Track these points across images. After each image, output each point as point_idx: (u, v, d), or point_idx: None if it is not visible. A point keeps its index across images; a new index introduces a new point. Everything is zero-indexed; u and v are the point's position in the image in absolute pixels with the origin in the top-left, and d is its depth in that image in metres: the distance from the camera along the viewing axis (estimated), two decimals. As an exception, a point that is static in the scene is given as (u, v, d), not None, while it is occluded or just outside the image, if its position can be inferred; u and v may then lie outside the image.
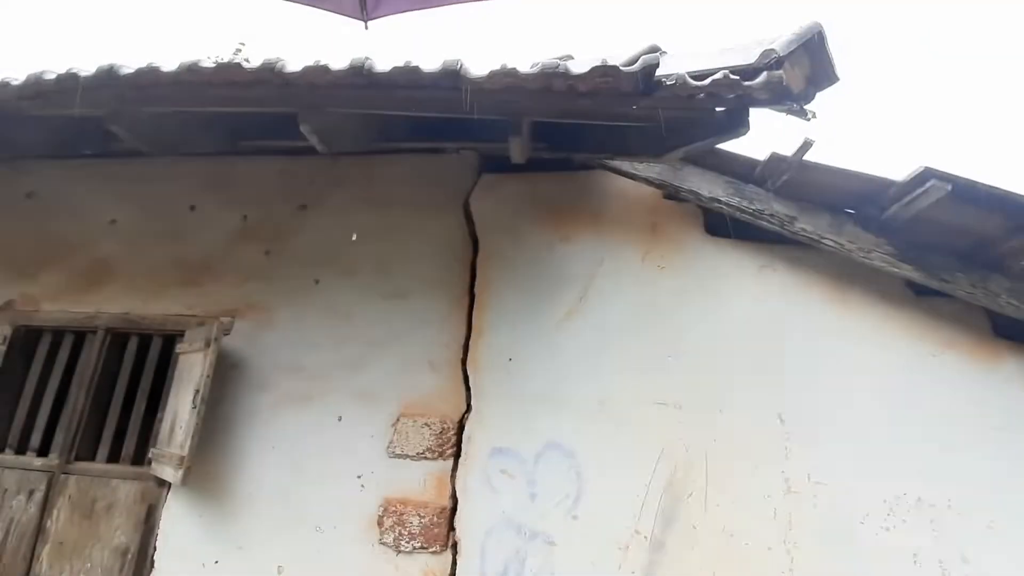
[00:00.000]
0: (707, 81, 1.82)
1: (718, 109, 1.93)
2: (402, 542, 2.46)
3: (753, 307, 2.58)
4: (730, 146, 2.44)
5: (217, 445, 2.71)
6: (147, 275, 3.10)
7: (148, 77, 2.09)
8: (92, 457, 2.87)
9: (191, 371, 2.66)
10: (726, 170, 2.64)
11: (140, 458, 2.83)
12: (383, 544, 2.48)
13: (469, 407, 2.62)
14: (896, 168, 2.28)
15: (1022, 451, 2.25)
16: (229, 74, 2.05)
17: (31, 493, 2.78)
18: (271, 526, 2.58)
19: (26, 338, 3.11)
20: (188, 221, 3.18)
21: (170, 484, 2.65)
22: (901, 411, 2.35)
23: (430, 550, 2.44)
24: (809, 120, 2.07)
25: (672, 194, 2.74)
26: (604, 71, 1.83)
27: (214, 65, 2.06)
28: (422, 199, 2.99)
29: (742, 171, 2.61)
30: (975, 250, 2.37)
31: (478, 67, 1.95)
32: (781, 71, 1.76)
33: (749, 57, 1.82)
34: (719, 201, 2.61)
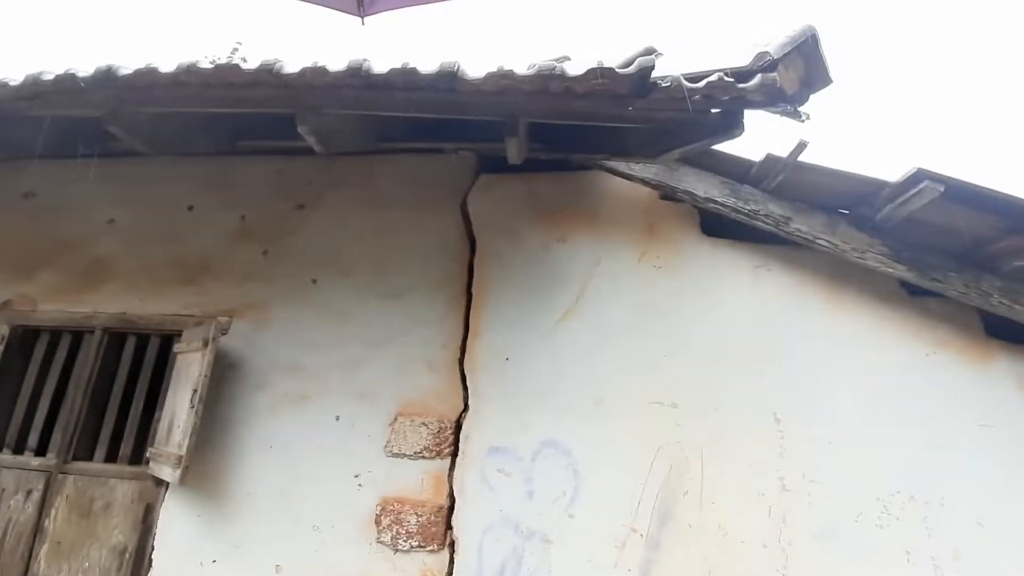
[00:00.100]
0: (702, 83, 1.84)
1: (713, 111, 1.94)
2: (400, 541, 2.48)
3: (749, 307, 2.60)
4: (726, 147, 2.45)
5: (215, 445, 2.72)
6: (145, 275, 3.10)
7: (146, 78, 2.11)
8: (90, 457, 2.87)
9: (189, 371, 2.67)
10: (722, 171, 2.66)
11: (138, 458, 2.83)
12: (381, 543, 2.49)
13: (467, 406, 2.63)
14: (891, 169, 2.30)
15: (1013, 450, 2.27)
16: (227, 75, 2.07)
17: (29, 493, 2.78)
18: (269, 525, 2.59)
19: (23, 338, 3.11)
20: (186, 221, 3.19)
21: (168, 484, 2.66)
22: (895, 410, 2.38)
23: (428, 549, 2.46)
24: (803, 122, 2.08)
25: (668, 194, 2.76)
26: (600, 73, 1.85)
27: (212, 66, 2.07)
28: (420, 199, 3.01)
29: (738, 172, 2.63)
30: (968, 250, 2.39)
31: (475, 69, 1.97)
32: (775, 73, 1.78)
33: (743, 59, 1.84)
34: (715, 202, 2.63)
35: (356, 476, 2.60)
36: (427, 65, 1.98)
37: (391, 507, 2.53)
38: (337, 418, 2.70)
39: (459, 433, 2.60)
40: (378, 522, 2.52)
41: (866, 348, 2.47)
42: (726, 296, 2.63)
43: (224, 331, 2.79)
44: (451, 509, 2.51)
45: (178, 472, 2.41)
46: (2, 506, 2.77)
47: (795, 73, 1.90)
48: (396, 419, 2.66)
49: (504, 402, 2.61)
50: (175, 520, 2.66)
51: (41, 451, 2.92)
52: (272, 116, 2.36)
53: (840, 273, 2.57)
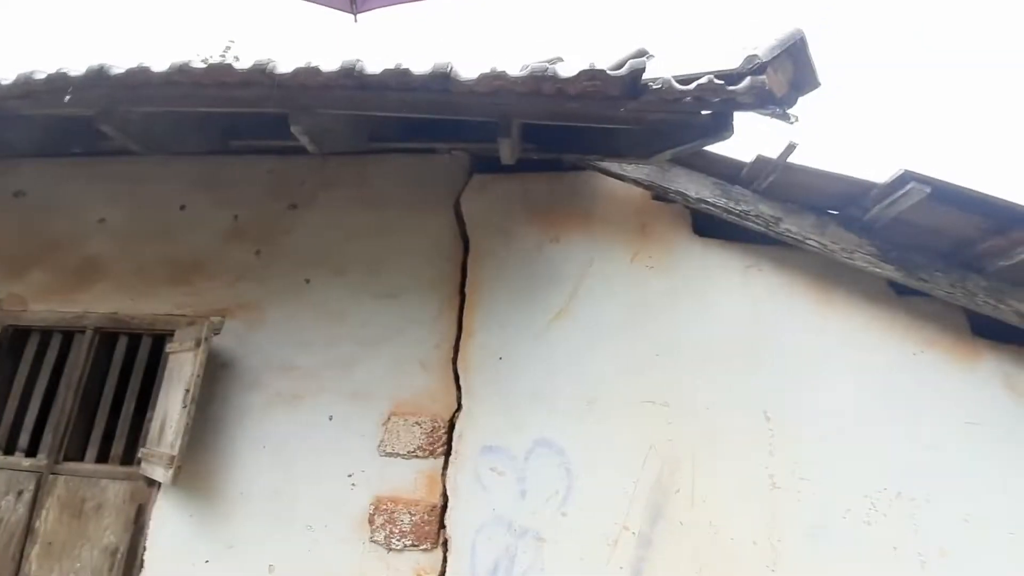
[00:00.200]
0: (692, 85, 1.86)
1: (704, 112, 1.96)
2: (393, 540, 2.48)
3: (740, 307, 2.63)
4: (717, 148, 2.48)
5: (208, 445, 2.71)
6: (137, 274, 3.09)
7: (138, 77, 2.10)
8: (81, 457, 2.86)
9: (181, 371, 2.66)
10: (713, 172, 2.68)
11: (129, 458, 2.82)
12: (374, 542, 2.50)
13: (460, 406, 2.64)
14: (879, 171, 2.33)
15: (998, 446, 2.31)
16: (220, 75, 2.07)
17: (20, 493, 2.77)
18: (262, 525, 2.59)
19: (14, 338, 3.09)
20: (178, 220, 3.18)
21: (160, 484, 2.65)
22: (882, 408, 2.41)
23: (421, 548, 2.47)
24: (792, 124, 2.11)
25: (661, 195, 2.78)
26: (592, 75, 1.86)
27: (205, 66, 2.07)
28: (413, 199, 3.01)
29: (729, 173, 2.66)
30: (954, 251, 2.43)
31: (468, 69, 1.98)
32: (764, 76, 1.80)
33: (733, 62, 1.86)
34: (706, 202, 2.65)
35: (349, 476, 2.61)
36: (420, 66, 1.99)
37: (384, 506, 2.54)
38: (330, 418, 2.70)
39: (452, 432, 2.61)
40: (371, 521, 2.53)
41: (855, 347, 2.50)
42: (717, 296, 2.65)
43: (217, 331, 2.79)
44: (444, 508, 2.52)
45: (170, 472, 2.41)
46: (-8, 507, 2.76)
47: (784, 76, 1.93)
48: (389, 419, 2.66)
49: (497, 401, 2.62)
50: (167, 520, 2.65)
51: (32, 451, 2.90)
52: (265, 116, 2.36)
53: (829, 273, 2.60)
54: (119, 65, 2.12)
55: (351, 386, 2.73)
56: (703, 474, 2.41)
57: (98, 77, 2.11)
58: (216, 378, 2.78)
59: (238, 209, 3.15)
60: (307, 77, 2.02)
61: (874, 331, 2.51)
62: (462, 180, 3.00)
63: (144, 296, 3.04)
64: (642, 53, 1.96)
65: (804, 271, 2.63)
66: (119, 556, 2.61)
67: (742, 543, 2.31)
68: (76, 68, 2.15)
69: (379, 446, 2.63)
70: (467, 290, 2.81)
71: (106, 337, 3.04)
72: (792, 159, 2.40)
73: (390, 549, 2.48)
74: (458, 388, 2.67)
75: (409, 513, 2.51)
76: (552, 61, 2.13)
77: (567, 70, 1.92)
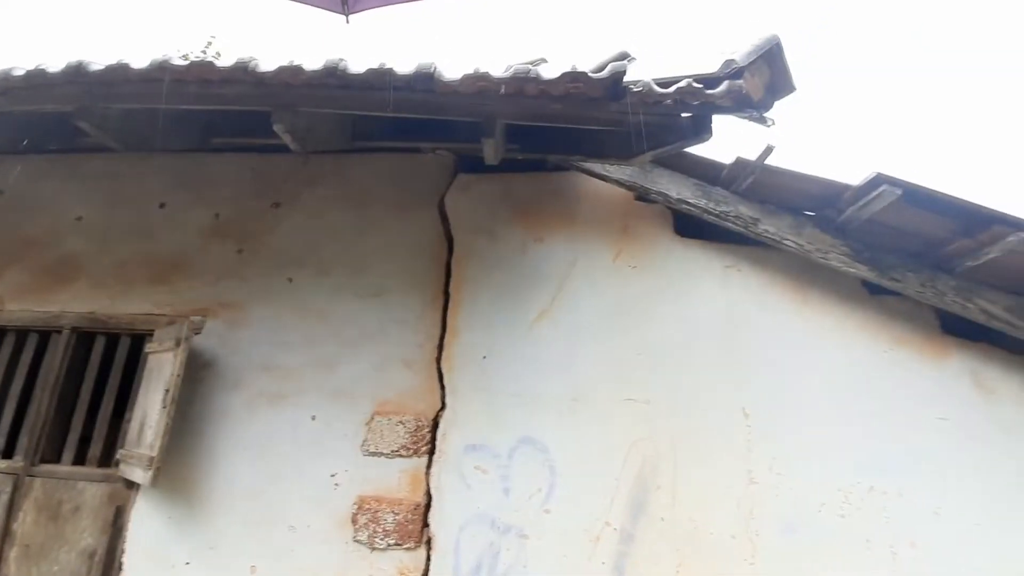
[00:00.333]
0: (672, 88, 1.90)
1: (684, 115, 2.00)
2: (376, 539, 2.48)
3: (719, 306, 2.67)
4: (698, 150, 2.53)
5: (188, 445, 2.69)
6: (115, 273, 3.05)
7: (117, 74, 2.08)
8: (58, 459, 2.81)
9: (161, 371, 2.63)
10: (694, 173, 2.73)
11: (107, 460, 2.79)
12: (357, 542, 2.50)
13: (444, 405, 2.65)
14: (854, 173, 2.40)
15: (967, 441, 2.38)
16: (201, 72, 2.05)
17: (-6, 496, 2.71)
18: (244, 525, 2.58)
19: (-12, 338, 3.03)
20: (158, 218, 3.14)
21: (139, 485, 2.62)
22: (856, 405, 2.47)
23: (404, 547, 2.47)
24: (769, 127, 2.16)
25: (643, 196, 2.82)
26: (574, 76, 1.89)
27: (186, 63, 2.05)
28: (397, 198, 3.01)
29: (709, 174, 2.71)
30: (924, 251, 2.50)
31: (452, 70, 1.99)
32: (742, 80, 1.85)
33: (712, 66, 1.90)
34: (687, 203, 2.70)
35: (333, 475, 2.60)
36: (404, 66, 1.99)
37: (368, 506, 2.54)
38: (313, 417, 2.69)
39: (436, 431, 2.62)
40: (355, 521, 2.53)
41: (830, 345, 2.56)
42: (698, 296, 2.70)
43: (197, 330, 2.76)
44: (428, 507, 2.52)
45: (150, 473, 2.38)
46: (-35, 511, 2.70)
47: (760, 80, 1.97)
48: (373, 418, 2.66)
49: (481, 400, 2.63)
50: (146, 522, 2.62)
51: (8, 454, 2.84)
52: (247, 113, 2.34)
53: (806, 273, 2.66)
54: (97, 62, 2.09)
55: (334, 385, 2.73)
56: (684, 470, 2.45)
57: (76, 74, 2.08)
58: (197, 378, 2.75)
59: (219, 207, 3.12)
60: (290, 75, 2.02)
61: (848, 329, 2.58)
62: (446, 180, 3.01)
63: (123, 295, 3.00)
64: (623, 56, 1.99)
65: (782, 271, 2.68)
66: (97, 558, 2.58)
67: (721, 537, 2.36)
68: (54, 65, 2.12)
69: (362, 445, 2.63)
70: (451, 289, 2.82)
71: (83, 337, 2.99)
72: (771, 161, 2.45)
73: (373, 548, 2.48)
74: (442, 387, 2.68)
75: (393, 512, 2.51)
76: (535, 62, 2.15)
77: (550, 72, 1.95)
